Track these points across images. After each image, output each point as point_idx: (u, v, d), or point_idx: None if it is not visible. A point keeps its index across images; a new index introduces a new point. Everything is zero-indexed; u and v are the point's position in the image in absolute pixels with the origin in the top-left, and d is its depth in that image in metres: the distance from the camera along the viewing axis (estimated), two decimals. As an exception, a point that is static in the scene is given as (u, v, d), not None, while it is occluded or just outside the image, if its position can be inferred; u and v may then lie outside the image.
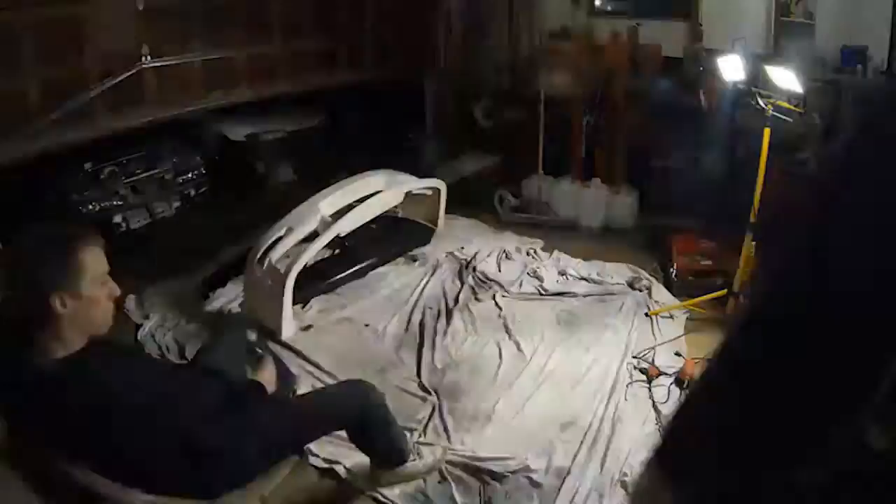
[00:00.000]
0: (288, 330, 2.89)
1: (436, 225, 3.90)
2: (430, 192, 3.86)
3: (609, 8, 5.15)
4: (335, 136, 5.38)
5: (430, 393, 2.58)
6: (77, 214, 3.46)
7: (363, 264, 3.39)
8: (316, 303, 3.18)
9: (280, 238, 2.92)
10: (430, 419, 2.42)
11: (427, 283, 3.45)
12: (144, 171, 3.81)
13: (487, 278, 3.47)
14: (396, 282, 3.46)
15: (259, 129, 4.76)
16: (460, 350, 2.86)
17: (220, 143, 4.82)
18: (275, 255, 2.87)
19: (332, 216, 3.07)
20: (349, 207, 3.15)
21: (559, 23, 5.06)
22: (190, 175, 4.03)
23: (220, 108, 4.09)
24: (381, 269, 3.52)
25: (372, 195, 3.29)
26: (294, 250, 2.93)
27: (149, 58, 3.40)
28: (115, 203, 3.62)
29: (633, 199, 4.42)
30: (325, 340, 2.90)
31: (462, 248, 3.82)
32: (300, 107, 5.16)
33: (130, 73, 3.33)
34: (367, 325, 3.04)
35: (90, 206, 3.51)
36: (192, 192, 4.01)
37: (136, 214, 3.72)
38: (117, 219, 3.61)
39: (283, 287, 2.79)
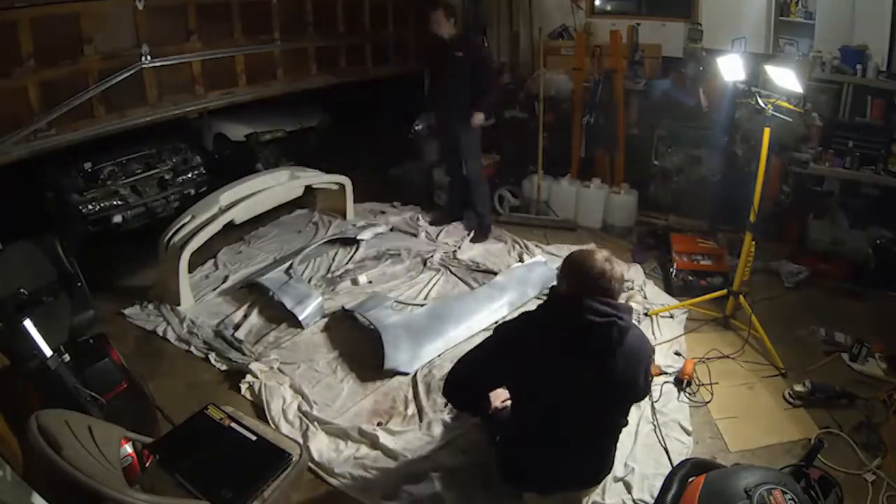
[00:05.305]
0: (185, 299, 3.26)
1: (345, 216, 4.41)
2: (336, 187, 4.34)
3: (609, 8, 5.16)
4: (335, 135, 5.39)
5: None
6: (77, 214, 3.46)
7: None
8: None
9: (184, 224, 3.38)
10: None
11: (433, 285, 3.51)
12: (144, 171, 3.80)
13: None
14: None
15: (259, 129, 4.76)
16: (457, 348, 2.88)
17: (220, 143, 4.82)
18: (176, 237, 3.28)
19: (228, 206, 3.53)
20: (246, 198, 3.62)
21: (559, 22, 5.06)
22: (190, 175, 4.02)
23: (220, 108, 4.08)
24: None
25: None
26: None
27: (149, 57, 3.40)
28: (115, 203, 3.62)
29: (633, 199, 4.42)
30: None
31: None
32: (300, 107, 5.16)
33: (130, 72, 3.33)
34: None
35: (90, 206, 3.51)
36: (192, 192, 3.99)
37: (136, 214, 3.72)
38: (117, 219, 3.60)
39: (179, 263, 3.19)
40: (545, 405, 1.77)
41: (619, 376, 1.71)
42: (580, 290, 1.69)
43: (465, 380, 1.90)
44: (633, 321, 1.75)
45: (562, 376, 1.71)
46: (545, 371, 1.72)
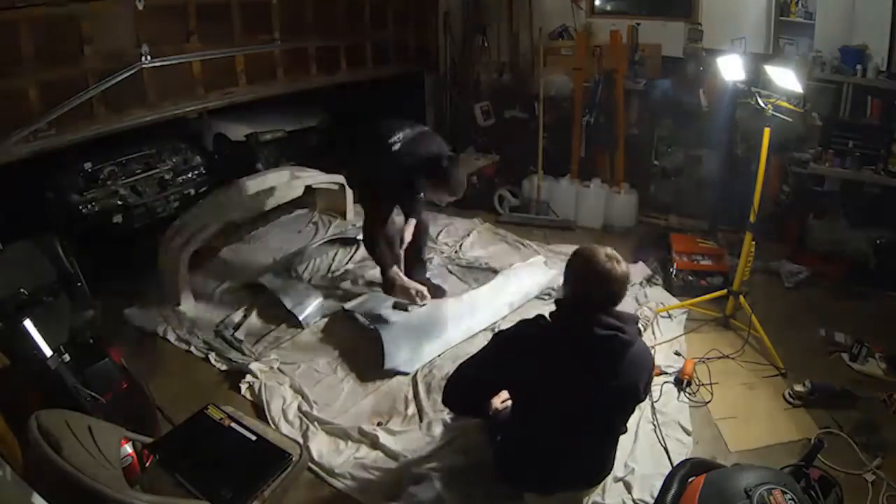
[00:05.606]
0: (186, 300, 3.26)
1: (345, 216, 4.41)
2: (336, 187, 4.28)
3: (609, 8, 5.15)
4: (334, 135, 5.38)
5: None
6: (77, 214, 3.46)
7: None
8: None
9: (185, 224, 3.38)
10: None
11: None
12: (144, 171, 3.80)
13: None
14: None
15: (259, 129, 4.75)
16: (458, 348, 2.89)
17: (220, 143, 4.82)
18: (176, 239, 3.29)
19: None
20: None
21: (559, 22, 5.06)
22: (190, 175, 4.01)
23: (220, 108, 4.08)
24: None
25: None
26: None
27: (149, 57, 3.39)
28: (115, 203, 3.61)
29: (634, 199, 4.42)
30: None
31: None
32: (300, 107, 5.16)
33: (130, 72, 3.32)
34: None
35: (90, 206, 3.51)
36: (192, 192, 3.99)
37: (137, 214, 3.72)
38: (117, 219, 3.60)
39: (179, 265, 3.21)
40: (545, 407, 1.77)
41: (619, 385, 1.71)
42: (583, 295, 1.68)
43: (464, 388, 1.91)
44: (640, 326, 1.75)
45: (562, 382, 1.71)
46: (545, 377, 1.71)
